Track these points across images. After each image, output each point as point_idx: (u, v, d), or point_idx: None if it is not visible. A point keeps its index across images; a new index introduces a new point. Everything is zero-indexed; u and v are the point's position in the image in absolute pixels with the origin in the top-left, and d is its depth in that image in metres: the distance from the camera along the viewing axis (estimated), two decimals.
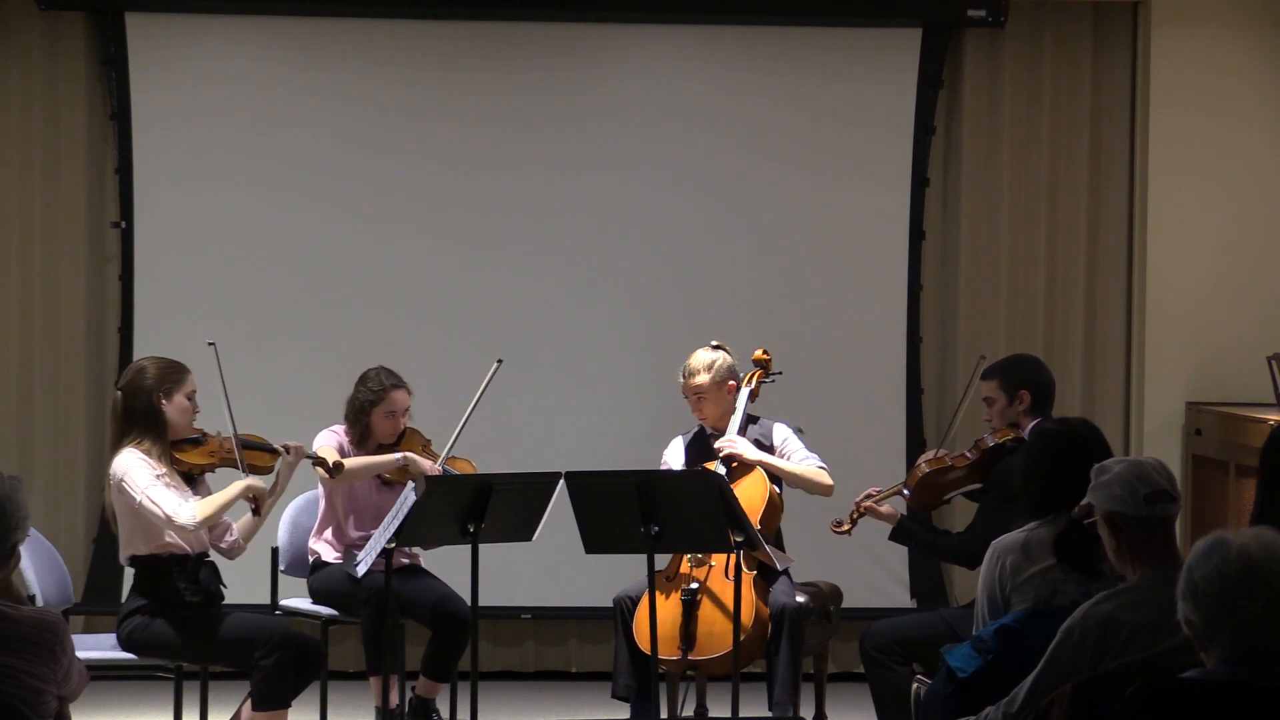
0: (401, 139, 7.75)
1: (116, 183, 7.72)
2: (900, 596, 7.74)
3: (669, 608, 6.03)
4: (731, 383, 6.33)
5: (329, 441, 6.33)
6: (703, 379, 6.31)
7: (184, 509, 5.60)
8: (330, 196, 7.74)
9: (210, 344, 5.75)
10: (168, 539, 5.68)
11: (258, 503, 5.73)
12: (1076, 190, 7.87)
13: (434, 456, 6.40)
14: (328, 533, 6.44)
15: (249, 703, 5.68)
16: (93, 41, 7.72)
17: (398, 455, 6.32)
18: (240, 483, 5.71)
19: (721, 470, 6.19)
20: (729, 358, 6.36)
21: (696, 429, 6.46)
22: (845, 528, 6.15)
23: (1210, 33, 7.75)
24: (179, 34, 7.72)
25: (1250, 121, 7.79)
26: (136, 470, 5.63)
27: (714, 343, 6.40)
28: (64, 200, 7.71)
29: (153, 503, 5.58)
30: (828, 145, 7.82)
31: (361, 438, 6.42)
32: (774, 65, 7.81)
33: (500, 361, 6.38)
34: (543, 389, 7.75)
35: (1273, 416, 6.88)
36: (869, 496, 6.09)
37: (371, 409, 6.40)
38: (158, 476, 5.64)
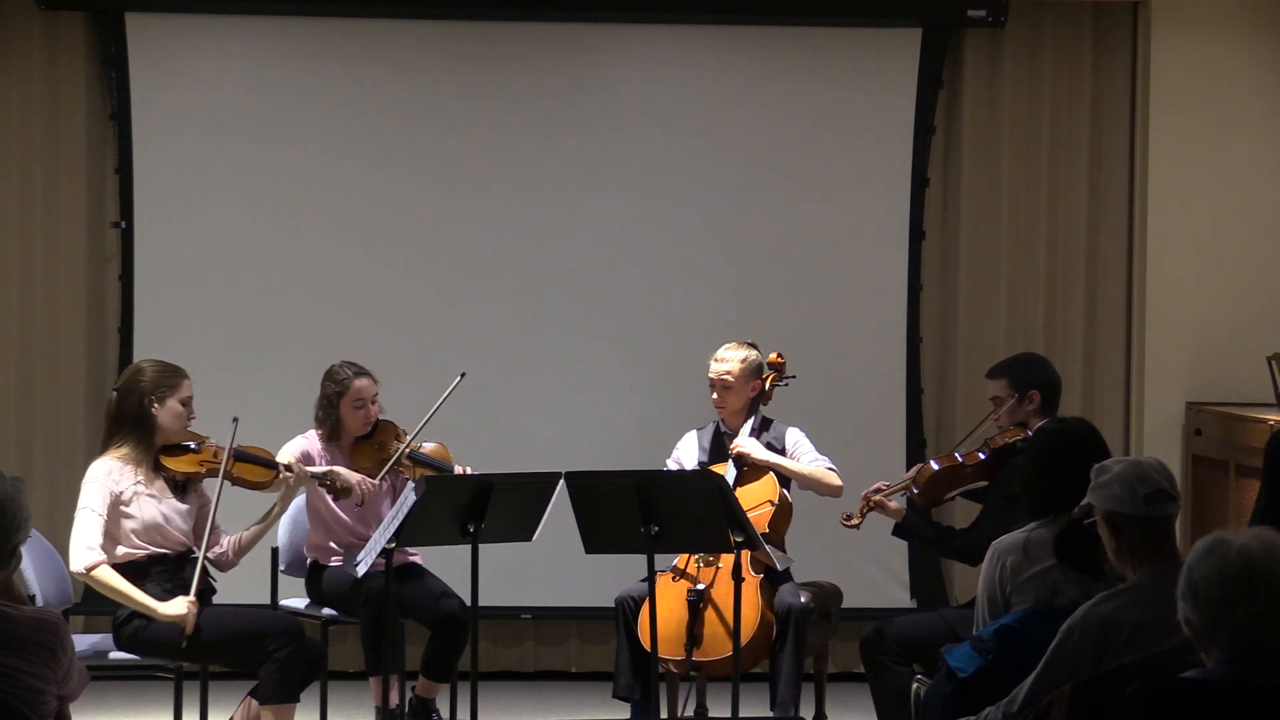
0: (402, 139, 7.75)
1: (116, 183, 7.72)
2: (900, 596, 7.74)
3: (675, 608, 6.03)
4: (755, 381, 6.36)
5: (297, 447, 6.30)
6: (733, 367, 6.34)
7: (83, 555, 5.58)
8: (330, 196, 7.74)
9: (234, 420, 5.73)
10: (138, 541, 5.67)
11: (185, 632, 5.56)
12: (1076, 190, 7.86)
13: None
14: (317, 537, 6.43)
15: (248, 702, 5.69)
16: (93, 41, 7.71)
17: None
18: (157, 605, 5.59)
19: (733, 471, 6.22)
20: (760, 356, 6.38)
21: (712, 429, 6.46)
22: (855, 521, 6.18)
23: (1210, 33, 7.75)
24: (179, 34, 7.71)
25: (1250, 121, 7.79)
26: (91, 485, 5.65)
27: (749, 341, 6.42)
28: (64, 200, 7.70)
29: (76, 526, 5.61)
30: (828, 145, 7.81)
31: (332, 433, 6.40)
32: (774, 65, 7.81)
33: (464, 374, 6.33)
34: (543, 389, 7.75)
35: (1273, 416, 6.88)
36: (878, 490, 6.12)
37: (339, 401, 6.39)
38: (116, 492, 5.64)
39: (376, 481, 6.26)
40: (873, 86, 7.81)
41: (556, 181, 7.79)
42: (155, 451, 5.74)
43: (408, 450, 6.29)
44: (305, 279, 7.74)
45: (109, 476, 5.66)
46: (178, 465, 5.77)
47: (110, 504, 5.64)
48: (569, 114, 7.78)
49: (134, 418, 5.73)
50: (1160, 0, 7.73)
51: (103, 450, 5.76)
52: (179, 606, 5.60)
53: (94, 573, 5.59)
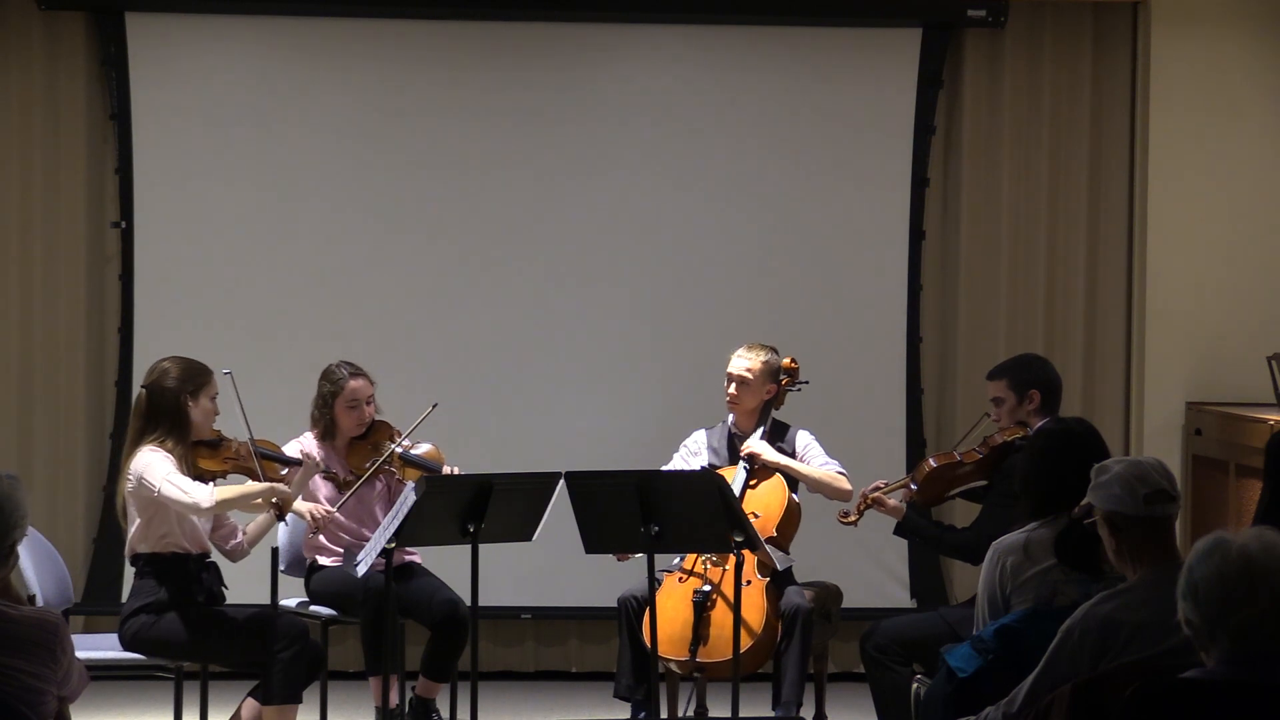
0: (402, 138, 7.75)
1: (116, 183, 7.72)
2: (900, 596, 7.74)
3: (681, 608, 6.03)
4: (772, 385, 6.36)
5: (291, 452, 6.29)
6: (754, 365, 6.34)
7: (201, 489, 5.60)
8: (330, 196, 7.74)
9: (226, 373, 5.73)
10: (175, 538, 5.69)
11: (282, 510, 5.72)
12: (1076, 190, 7.86)
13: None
14: (315, 537, 6.42)
15: (249, 702, 5.70)
16: (93, 41, 7.71)
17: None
18: (266, 484, 5.71)
19: (743, 473, 6.22)
20: (778, 360, 6.39)
21: (722, 430, 6.45)
22: (852, 518, 6.19)
23: (1210, 33, 7.75)
24: (179, 34, 7.71)
25: (1250, 121, 7.79)
26: (157, 463, 5.63)
27: (770, 345, 6.43)
28: (64, 200, 7.70)
29: (173, 486, 5.58)
30: (828, 145, 7.81)
31: (327, 432, 6.42)
32: (774, 65, 7.80)
33: (435, 405, 6.28)
34: (543, 389, 7.75)
35: (1273, 416, 6.88)
36: (876, 488, 6.13)
37: (334, 401, 6.40)
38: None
39: (334, 511, 6.23)
40: (873, 86, 7.81)
41: (556, 181, 7.78)
42: (190, 449, 5.75)
43: (399, 452, 6.28)
44: (305, 278, 7.74)
45: (166, 459, 5.65)
46: (206, 464, 5.79)
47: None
48: (568, 114, 7.77)
49: (171, 414, 5.73)
50: (1160, 0, 7.74)
51: (135, 445, 5.73)
52: (282, 486, 5.71)
53: (219, 498, 5.61)
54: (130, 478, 5.68)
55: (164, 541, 5.71)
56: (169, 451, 5.68)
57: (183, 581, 5.71)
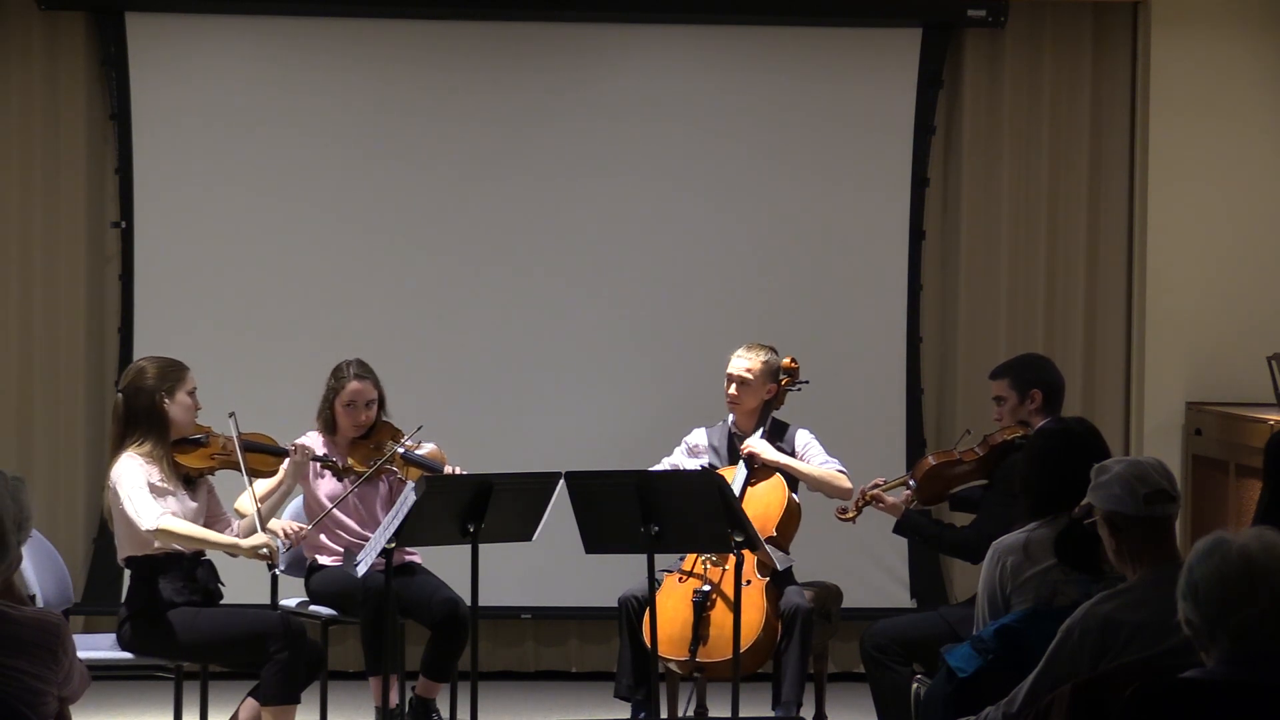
0: (401, 138, 7.75)
1: (116, 183, 7.72)
2: (900, 596, 7.74)
3: (680, 608, 6.03)
4: (772, 385, 6.37)
5: None
6: (754, 365, 6.35)
7: (149, 511, 5.60)
8: (331, 196, 7.74)
9: (230, 415, 5.75)
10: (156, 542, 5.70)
11: (271, 559, 5.72)
12: (1076, 190, 7.87)
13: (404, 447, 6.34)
14: (316, 537, 6.41)
15: (248, 702, 5.70)
16: (93, 41, 7.71)
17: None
18: (236, 540, 5.72)
19: (743, 472, 6.22)
20: (778, 360, 6.40)
21: (723, 430, 6.45)
22: (850, 515, 6.21)
23: (1210, 33, 7.75)
24: (179, 34, 7.71)
25: (1250, 121, 7.79)
26: (128, 474, 5.65)
27: (769, 345, 6.44)
28: (64, 200, 7.70)
29: (130, 501, 5.62)
30: (828, 145, 7.81)
31: (327, 427, 6.42)
32: (774, 65, 7.81)
33: (420, 426, 6.25)
34: (543, 388, 7.75)
35: (1273, 416, 6.88)
36: (875, 486, 6.14)
37: (334, 398, 6.40)
38: (149, 482, 5.66)
39: (309, 528, 6.21)
40: (873, 86, 7.81)
41: (556, 181, 7.78)
42: (170, 448, 5.75)
43: (400, 452, 6.28)
44: (305, 278, 7.74)
45: (141, 469, 5.67)
46: (191, 462, 5.79)
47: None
48: (568, 114, 7.77)
49: (148, 415, 5.73)
50: (1160, 0, 7.74)
51: (117, 449, 5.75)
52: (258, 538, 5.68)
53: (164, 525, 5.59)
54: (110, 485, 5.70)
55: (151, 545, 5.70)
56: (148, 454, 5.69)
57: (178, 581, 5.71)
